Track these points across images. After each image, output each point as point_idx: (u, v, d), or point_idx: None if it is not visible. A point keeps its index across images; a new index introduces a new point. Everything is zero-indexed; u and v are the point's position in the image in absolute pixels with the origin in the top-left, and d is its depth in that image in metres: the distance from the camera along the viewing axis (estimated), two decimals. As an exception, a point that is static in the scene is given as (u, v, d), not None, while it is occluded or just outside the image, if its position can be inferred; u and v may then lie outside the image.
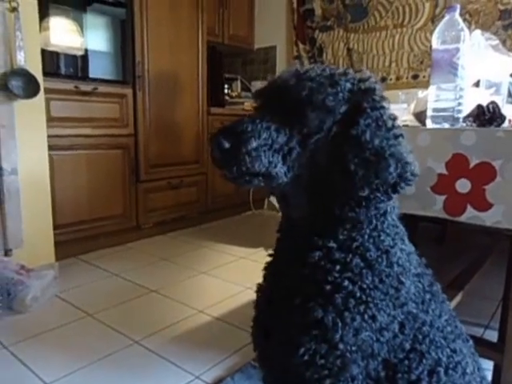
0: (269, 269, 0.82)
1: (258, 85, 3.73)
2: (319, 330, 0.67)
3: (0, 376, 1.41)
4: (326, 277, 0.68)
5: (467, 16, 3.01)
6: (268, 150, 0.64)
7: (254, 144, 0.63)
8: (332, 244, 0.68)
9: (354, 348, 0.66)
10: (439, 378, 0.72)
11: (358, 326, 0.66)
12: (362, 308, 0.66)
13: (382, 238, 0.70)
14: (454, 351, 0.76)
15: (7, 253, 2.06)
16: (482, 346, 1.42)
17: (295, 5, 3.74)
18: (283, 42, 3.87)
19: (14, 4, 1.95)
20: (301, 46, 3.76)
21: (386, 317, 0.68)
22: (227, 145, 0.63)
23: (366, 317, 0.66)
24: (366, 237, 0.69)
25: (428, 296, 0.76)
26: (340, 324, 0.65)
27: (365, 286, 0.67)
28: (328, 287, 0.67)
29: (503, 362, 1.28)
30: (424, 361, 0.72)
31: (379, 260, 0.69)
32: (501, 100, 1.38)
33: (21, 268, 1.96)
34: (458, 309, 1.59)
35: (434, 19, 3.08)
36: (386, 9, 3.31)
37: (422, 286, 0.76)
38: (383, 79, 3.37)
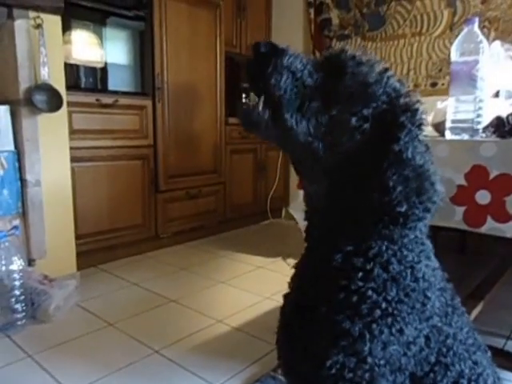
0: (296, 274, 0.82)
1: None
2: (347, 342, 0.67)
3: (25, 384, 1.45)
4: (350, 284, 0.68)
5: (486, 23, 2.98)
6: (293, 80, 0.64)
7: (285, 61, 0.64)
8: (349, 248, 0.69)
9: (382, 362, 0.66)
10: None
11: (386, 339, 0.66)
12: (389, 321, 0.67)
13: (404, 253, 0.70)
14: (475, 363, 0.77)
15: (31, 263, 2.11)
16: (503, 358, 1.41)
17: (312, 15, 3.76)
18: (301, 52, 3.87)
19: (38, 21, 2.02)
20: (318, 54, 3.78)
21: (413, 330, 0.69)
22: (263, 49, 0.64)
23: (393, 330, 0.67)
24: (384, 248, 0.69)
25: (450, 309, 0.77)
26: (368, 336, 0.66)
27: (390, 298, 0.67)
28: (354, 298, 0.68)
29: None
30: (448, 373, 0.73)
31: (403, 274, 0.69)
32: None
33: (44, 278, 2.00)
34: (479, 319, 1.58)
35: (452, 27, 3.06)
36: (403, 17, 3.30)
37: (444, 299, 0.76)
38: (401, 87, 3.36)
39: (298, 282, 0.81)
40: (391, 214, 0.63)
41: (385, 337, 0.66)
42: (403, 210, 0.62)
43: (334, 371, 0.67)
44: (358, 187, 0.65)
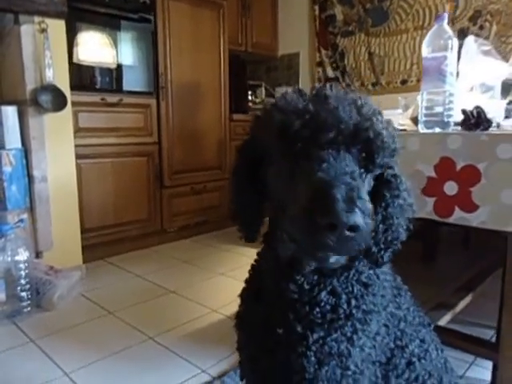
0: (254, 294, 0.82)
1: (281, 90, 3.78)
2: (335, 361, 0.68)
3: (26, 366, 1.55)
4: (336, 313, 0.69)
5: (488, 16, 2.96)
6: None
7: (369, 206, 0.57)
8: (335, 281, 0.70)
9: (359, 361, 0.69)
10: (415, 368, 0.79)
11: (363, 343, 0.70)
12: (365, 327, 0.70)
13: (359, 269, 0.73)
14: (422, 341, 0.82)
15: (38, 255, 2.22)
16: (482, 347, 1.43)
17: (317, 11, 3.80)
18: (306, 48, 3.93)
19: (43, 25, 2.13)
20: (323, 51, 3.81)
21: (376, 323, 0.73)
22: (362, 221, 0.53)
23: (366, 332, 0.70)
24: (356, 263, 0.72)
25: (396, 291, 0.80)
26: (351, 349, 0.68)
27: (365, 307, 0.71)
28: (340, 322, 0.69)
29: (499, 360, 1.29)
30: (404, 355, 0.77)
31: (371, 278, 0.73)
32: (495, 102, 1.40)
33: (49, 269, 2.11)
34: (470, 310, 1.60)
35: (454, 20, 3.06)
36: (406, 12, 3.31)
37: (389, 282, 0.79)
38: (404, 82, 3.37)
39: (261, 309, 0.79)
40: (395, 243, 0.70)
41: (362, 342, 0.70)
42: (404, 235, 0.70)
43: None
44: None
